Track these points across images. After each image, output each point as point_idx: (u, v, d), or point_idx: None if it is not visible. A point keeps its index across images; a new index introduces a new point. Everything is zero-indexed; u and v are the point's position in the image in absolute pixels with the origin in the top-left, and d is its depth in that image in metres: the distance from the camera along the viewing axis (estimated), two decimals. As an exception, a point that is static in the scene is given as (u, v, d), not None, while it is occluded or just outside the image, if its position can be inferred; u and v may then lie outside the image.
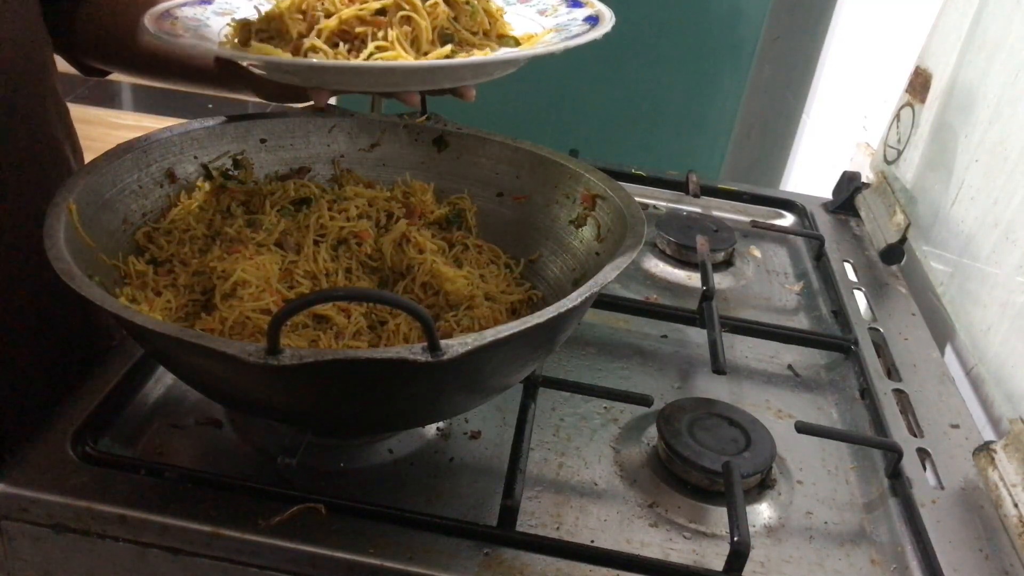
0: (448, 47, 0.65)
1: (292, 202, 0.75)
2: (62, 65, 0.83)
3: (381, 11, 0.65)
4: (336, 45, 0.65)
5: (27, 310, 0.75)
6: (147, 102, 3.35)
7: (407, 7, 0.64)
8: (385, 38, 0.64)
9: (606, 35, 0.69)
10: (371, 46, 0.63)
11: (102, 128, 3.05)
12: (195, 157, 0.76)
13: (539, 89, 1.52)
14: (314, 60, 0.62)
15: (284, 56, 0.64)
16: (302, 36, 0.66)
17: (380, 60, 0.63)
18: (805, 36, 1.63)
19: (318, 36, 0.65)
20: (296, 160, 0.80)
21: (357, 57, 0.64)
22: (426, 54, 0.65)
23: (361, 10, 0.64)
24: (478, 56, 0.64)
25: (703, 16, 1.49)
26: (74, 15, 0.81)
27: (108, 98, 3.32)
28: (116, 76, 0.90)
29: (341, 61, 0.63)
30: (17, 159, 0.73)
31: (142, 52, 0.82)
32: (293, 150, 0.80)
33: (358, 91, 0.80)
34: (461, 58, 0.65)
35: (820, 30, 1.57)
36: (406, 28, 0.64)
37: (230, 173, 0.78)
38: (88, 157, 0.73)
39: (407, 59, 0.64)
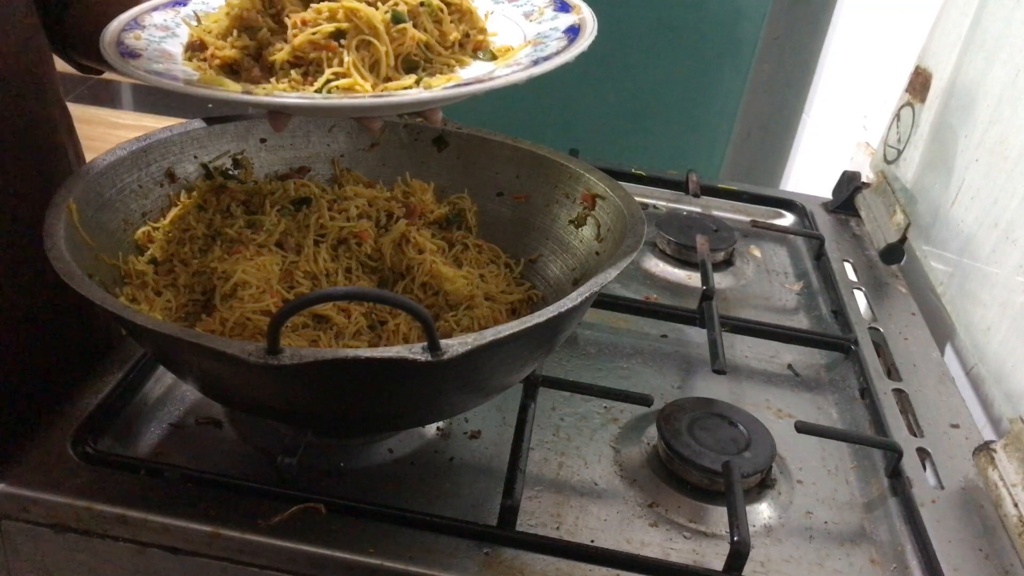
0: (411, 78, 0.62)
1: (292, 202, 0.75)
2: (60, 64, 0.83)
3: (338, 34, 0.61)
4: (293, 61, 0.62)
5: (27, 310, 0.75)
6: (147, 102, 3.35)
7: (366, 31, 0.61)
8: (341, 63, 0.60)
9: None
10: (327, 73, 0.60)
11: (102, 128, 3.04)
12: (195, 157, 0.76)
13: (539, 89, 1.51)
14: (262, 97, 0.58)
15: (232, 90, 0.60)
16: (251, 66, 0.62)
17: (336, 91, 0.60)
18: (805, 36, 1.63)
19: (270, 67, 0.62)
20: (296, 160, 0.80)
21: (314, 83, 0.60)
22: (388, 79, 0.62)
23: (314, 34, 0.61)
24: (436, 91, 0.60)
25: (703, 16, 1.49)
26: (63, 16, 0.81)
27: (108, 98, 3.31)
28: (116, 76, 0.90)
29: (289, 100, 0.59)
30: (24, 164, 0.73)
31: None
32: (293, 150, 0.80)
33: (316, 117, 0.78)
34: (418, 91, 0.61)
35: (820, 30, 1.57)
36: (364, 53, 0.61)
37: (230, 173, 0.78)
38: (88, 157, 0.73)
39: (365, 87, 0.60)
